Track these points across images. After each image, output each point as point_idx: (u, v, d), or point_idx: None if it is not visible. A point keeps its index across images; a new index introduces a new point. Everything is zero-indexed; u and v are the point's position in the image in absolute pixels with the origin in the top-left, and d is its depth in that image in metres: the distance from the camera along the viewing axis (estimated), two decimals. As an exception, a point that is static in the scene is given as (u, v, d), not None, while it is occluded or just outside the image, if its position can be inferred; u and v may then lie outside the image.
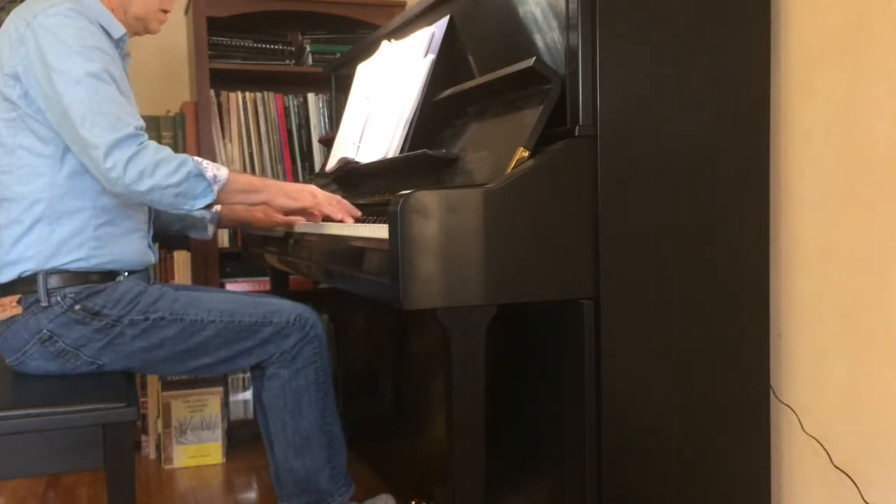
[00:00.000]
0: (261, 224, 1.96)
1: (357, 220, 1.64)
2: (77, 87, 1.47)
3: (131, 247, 1.65)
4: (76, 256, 1.56)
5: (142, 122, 1.52)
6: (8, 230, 1.56)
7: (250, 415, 2.70)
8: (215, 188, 1.54)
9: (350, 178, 2.05)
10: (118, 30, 1.64)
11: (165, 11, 1.74)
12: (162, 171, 1.48)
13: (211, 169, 1.54)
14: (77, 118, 1.47)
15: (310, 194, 1.67)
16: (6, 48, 1.54)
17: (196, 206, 1.54)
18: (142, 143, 1.49)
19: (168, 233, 1.98)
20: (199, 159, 1.54)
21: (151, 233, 1.77)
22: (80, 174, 1.56)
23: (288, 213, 1.74)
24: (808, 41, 1.44)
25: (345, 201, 1.69)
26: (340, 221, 1.63)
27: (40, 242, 1.55)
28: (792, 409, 1.50)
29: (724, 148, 1.41)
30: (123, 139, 1.47)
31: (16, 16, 1.55)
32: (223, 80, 2.73)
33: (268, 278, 2.56)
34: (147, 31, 1.74)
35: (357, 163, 1.88)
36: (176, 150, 2.61)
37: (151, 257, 1.74)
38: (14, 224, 1.56)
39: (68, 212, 1.56)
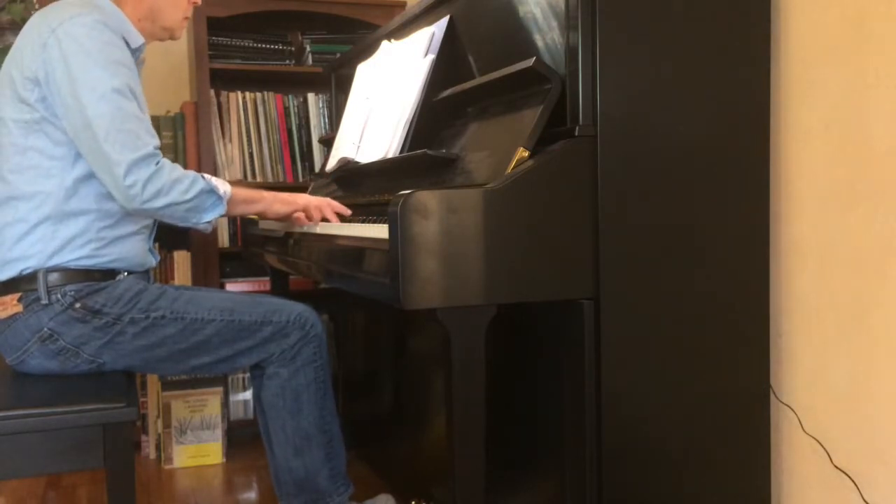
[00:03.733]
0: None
1: (357, 220, 1.64)
2: (101, 101, 1.50)
3: (133, 248, 1.66)
4: (79, 255, 1.57)
5: (158, 141, 1.57)
6: (13, 228, 1.57)
7: (250, 415, 2.70)
8: (224, 201, 1.61)
9: (350, 178, 2.05)
10: (137, 40, 1.67)
11: (187, 18, 1.80)
12: (177, 189, 1.54)
13: (219, 185, 1.61)
14: (101, 133, 1.49)
15: (303, 198, 1.77)
16: (27, 51, 1.55)
17: (203, 220, 1.61)
18: (158, 162, 1.53)
19: (175, 226, 2.00)
20: (207, 175, 1.61)
21: (154, 237, 1.78)
22: (89, 178, 1.57)
23: (284, 218, 1.79)
24: (808, 41, 1.44)
25: (334, 202, 1.75)
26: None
27: (44, 241, 1.56)
28: (792, 409, 1.50)
29: (724, 148, 1.41)
30: (142, 158, 1.51)
31: (40, 19, 1.57)
32: (223, 80, 2.73)
33: (268, 278, 2.56)
34: (172, 37, 1.80)
35: (357, 163, 1.88)
36: (176, 150, 2.64)
37: (152, 260, 1.75)
38: (19, 222, 1.56)
39: (74, 213, 1.57)
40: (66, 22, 1.52)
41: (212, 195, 1.59)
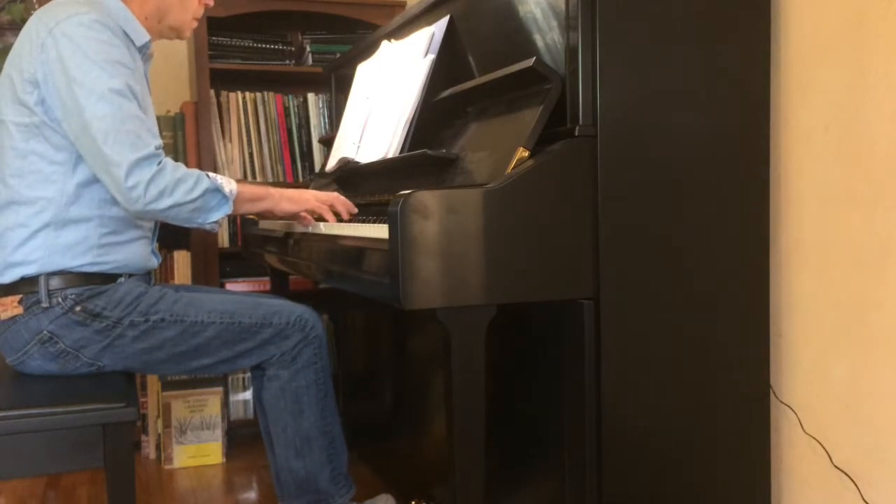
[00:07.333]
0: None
1: (357, 220, 1.64)
2: (100, 102, 1.48)
3: (135, 253, 1.65)
4: (80, 262, 1.56)
5: (160, 141, 1.55)
6: (14, 232, 1.56)
7: (250, 415, 2.70)
8: (230, 200, 1.57)
9: (350, 178, 2.05)
10: (142, 37, 1.64)
11: (196, 19, 1.77)
12: (181, 189, 1.51)
13: (225, 183, 1.58)
14: (99, 135, 1.47)
15: (311, 196, 1.72)
16: (26, 53, 1.53)
17: (209, 220, 1.58)
18: (160, 162, 1.51)
19: (176, 226, 1.99)
20: (212, 174, 1.57)
21: (156, 238, 1.77)
22: (91, 184, 1.56)
23: (292, 216, 1.76)
24: (808, 41, 1.44)
25: (343, 198, 1.72)
26: (345, 221, 1.66)
27: (45, 247, 1.55)
28: (792, 409, 1.50)
29: (725, 148, 1.41)
30: (144, 159, 1.48)
31: (37, 20, 1.55)
32: (223, 80, 2.73)
33: (268, 278, 2.56)
34: (179, 37, 1.78)
35: (357, 163, 1.88)
36: (176, 150, 2.63)
37: (154, 262, 1.74)
38: (20, 227, 1.55)
39: (75, 220, 1.56)
40: (63, 22, 1.50)
41: (217, 194, 1.56)
